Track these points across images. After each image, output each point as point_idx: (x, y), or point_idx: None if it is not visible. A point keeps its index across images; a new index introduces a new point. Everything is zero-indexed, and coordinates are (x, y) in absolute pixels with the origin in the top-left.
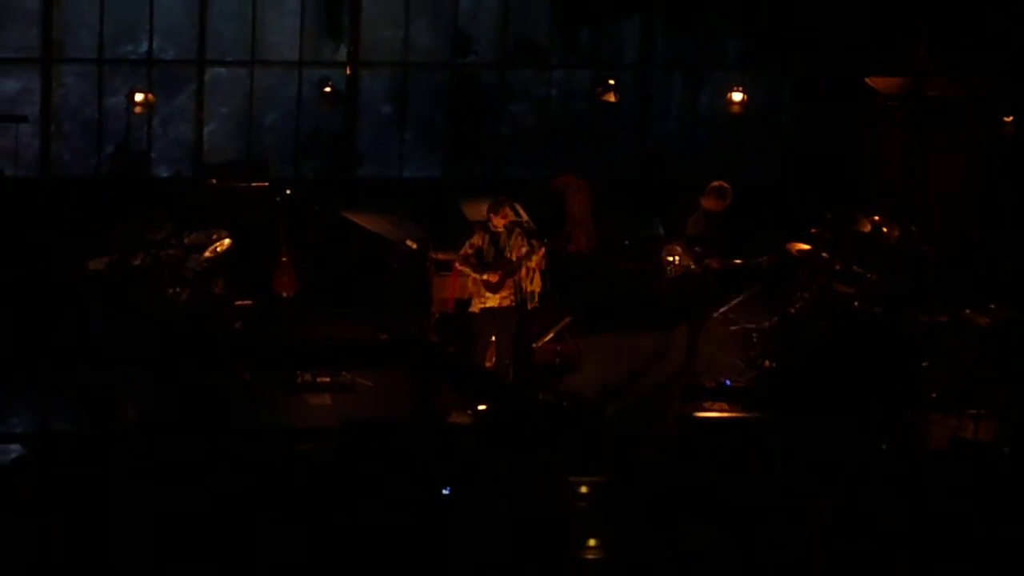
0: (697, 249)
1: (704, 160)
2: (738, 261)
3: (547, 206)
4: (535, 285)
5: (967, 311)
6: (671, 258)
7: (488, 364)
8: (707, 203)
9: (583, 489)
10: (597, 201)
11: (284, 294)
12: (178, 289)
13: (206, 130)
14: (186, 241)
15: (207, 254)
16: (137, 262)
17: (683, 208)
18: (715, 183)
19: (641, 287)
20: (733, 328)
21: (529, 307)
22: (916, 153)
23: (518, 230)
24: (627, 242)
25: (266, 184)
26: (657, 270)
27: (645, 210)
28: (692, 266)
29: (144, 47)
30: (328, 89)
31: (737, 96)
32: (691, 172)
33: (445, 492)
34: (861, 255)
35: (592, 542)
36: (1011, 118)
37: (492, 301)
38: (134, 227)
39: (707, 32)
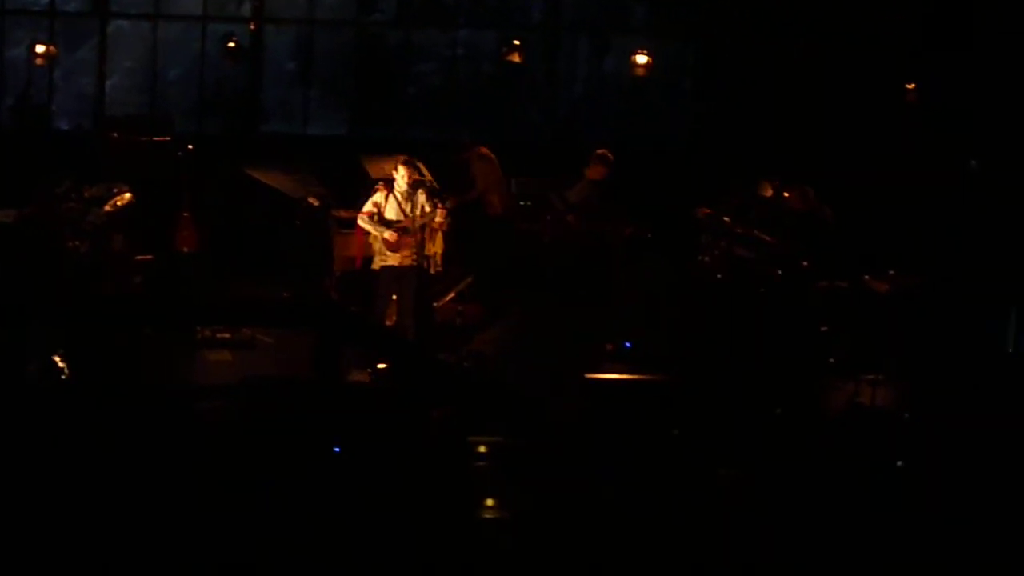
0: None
1: (610, 123)
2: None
3: (454, 172)
4: (437, 246)
5: (866, 277)
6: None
7: (389, 322)
8: (591, 172)
9: (482, 449)
10: (505, 165)
11: (185, 250)
12: (78, 243)
13: (108, 83)
14: (86, 195)
15: (107, 208)
16: (42, 215)
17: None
18: (598, 151)
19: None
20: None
21: (432, 270)
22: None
23: (422, 189)
24: (526, 203)
25: (168, 139)
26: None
27: (553, 173)
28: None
29: None
30: (232, 44)
31: (641, 59)
32: (597, 135)
33: (336, 451)
34: (763, 220)
35: (490, 502)
36: (913, 85)
37: (393, 260)
38: (49, 182)
39: None
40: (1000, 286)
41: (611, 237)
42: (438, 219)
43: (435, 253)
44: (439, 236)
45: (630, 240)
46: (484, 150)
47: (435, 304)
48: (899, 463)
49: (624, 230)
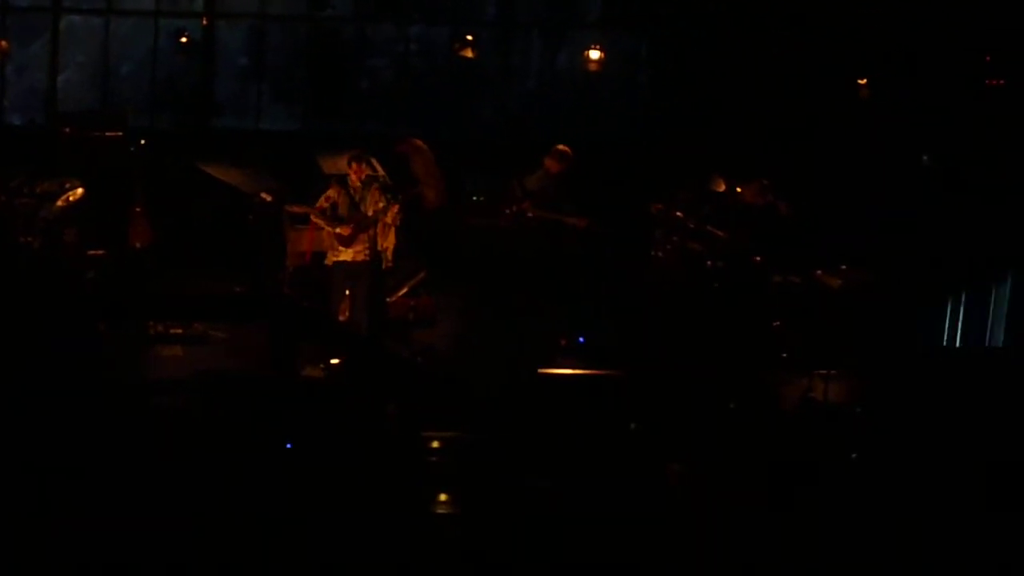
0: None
1: (563, 119)
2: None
3: (395, 167)
4: (389, 242)
5: (819, 272)
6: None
7: (342, 317)
8: (549, 163)
9: (435, 444)
10: (453, 158)
11: (138, 245)
12: (30, 238)
13: (61, 78)
14: (39, 190)
15: (60, 203)
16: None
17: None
18: (559, 147)
19: (490, 243)
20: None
21: (384, 266)
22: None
23: (375, 185)
24: (478, 198)
25: (121, 134)
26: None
27: (506, 168)
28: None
29: None
30: (184, 40)
31: (595, 54)
32: (551, 131)
33: (288, 447)
34: (715, 214)
35: (443, 497)
36: (865, 80)
37: (346, 255)
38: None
39: None
40: (942, 279)
41: (566, 229)
42: (391, 215)
43: (386, 248)
44: (391, 232)
45: (585, 233)
46: (419, 143)
47: (388, 299)
48: (853, 456)
49: (580, 223)
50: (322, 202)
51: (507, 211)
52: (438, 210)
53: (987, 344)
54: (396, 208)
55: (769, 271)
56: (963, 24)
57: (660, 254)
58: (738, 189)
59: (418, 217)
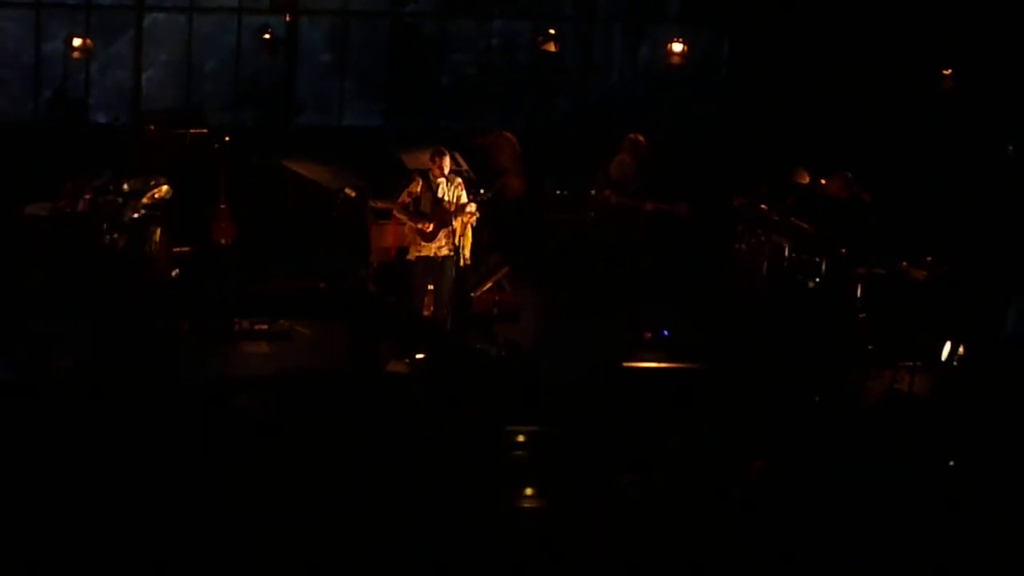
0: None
1: (644, 113)
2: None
3: (479, 161)
4: (467, 239)
5: (904, 264)
6: None
7: (426, 313)
8: (625, 153)
9: (520, 439)
10: (533, 153)
11: (222, 242)
12: (116, 236)
13: (144, 76)
14: (124, 188)
15: (145, 201)
16: (76, 209)
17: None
18: (631, 135)
19: (573, 238)
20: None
21: (460, 263)
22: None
23: (459, 179)
24: (561, 192)
25: (205, 131)
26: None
27: (586, 163)
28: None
29: None
30: (268, 36)
31: (677, 47)
32: (632, 125)
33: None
34: (799, 207)
35: (529, 491)
36: (950, 71)
37: (428, 250)
38: (81, 176)
39: None
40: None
41: (638, 214)
42: (470, 210)
43: (463, 246)
44: (468, 229)
45: (653, 217)
46: (508, 134)
47: (472, 295)
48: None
49: (646, 205)
50: (404, 197)
51: (592, 197)
52: (520, 203)
53: None
54: (474, 206)
55: (854, 263)
56: None
57: (743, 247)
58: (822, 182)
59: (503, 210)
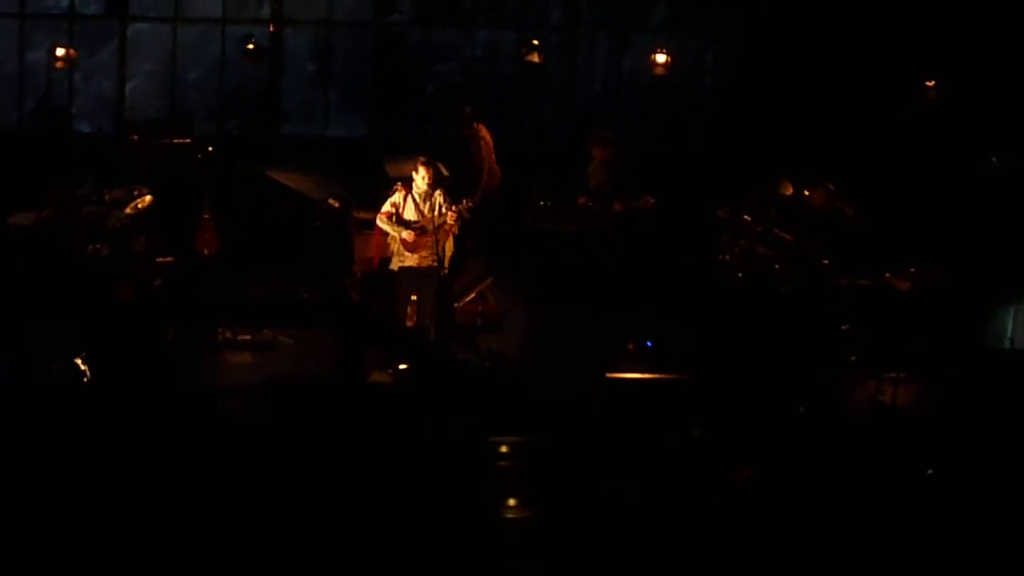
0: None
1: (629, 122)
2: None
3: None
4: (448, 248)
5: (888, 275)
6: None
7: (409, 323)
8: (595, 152)
9: (504, 449)
10: (518, 162)
11: (206, 252)
12: (99, 246)
13: (128, 86)
14: (107, 197)
15: (128, 211)
16: (59, 218)
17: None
18: (597, 131)
19: (557, 247)
20: None
21: (441, 272)
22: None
23: (440, 189)
24: (545, 203)
25: (188, 141)
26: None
27: (572, 173)
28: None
29: (66, 1)
30: (251, 46)
31: (661, 58)
32: (616, 134)
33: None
34: (783, 218)
35: (512, 502)
36: (932, 82)
37: (411, 260)
38: (64, 185)
39: None
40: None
41: (612, 218)
42: (449, 220)
43: (445, 256)
44: (450, 238)
45: (624, 218)
46: (479, 125)
47: (455, 304)
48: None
49: (616, 206)
50: (387, 207)
51: (573, 208)
52: (500, 192)
53: None
54: (453, 215)
55: (837, 274)
56: None
57: (727, 258)
58: (805, 192)
59: (485, 219)
